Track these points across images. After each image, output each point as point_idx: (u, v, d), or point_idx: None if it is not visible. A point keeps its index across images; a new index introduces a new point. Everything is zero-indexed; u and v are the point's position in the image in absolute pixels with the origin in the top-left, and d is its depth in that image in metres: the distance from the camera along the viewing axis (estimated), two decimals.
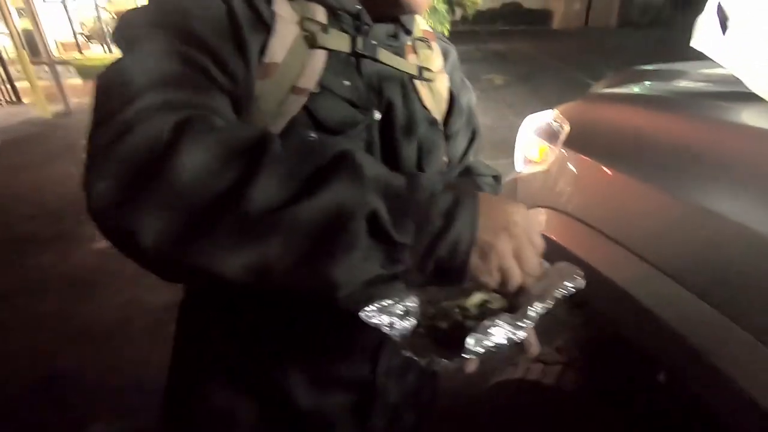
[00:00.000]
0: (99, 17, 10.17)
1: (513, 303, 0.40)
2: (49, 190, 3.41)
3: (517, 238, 0.38)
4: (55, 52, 8.20)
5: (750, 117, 0.72)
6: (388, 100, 0.52)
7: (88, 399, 1.59)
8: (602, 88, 1.24)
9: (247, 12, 0.43)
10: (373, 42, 0.51)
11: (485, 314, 0.39)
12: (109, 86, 0.37)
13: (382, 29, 0.52)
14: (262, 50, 0.44)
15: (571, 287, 0.40)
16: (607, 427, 0.85)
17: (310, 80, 0.46)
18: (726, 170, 0.68)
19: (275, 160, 0.33)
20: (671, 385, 0.80)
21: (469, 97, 0.69)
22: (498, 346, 0.35)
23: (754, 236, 0.60)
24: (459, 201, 0.36)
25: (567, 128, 1.04)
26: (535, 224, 0.40)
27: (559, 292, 0.39)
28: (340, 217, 0.32)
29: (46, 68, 6.08)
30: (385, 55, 0.52)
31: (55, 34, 8.84)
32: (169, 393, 0.63)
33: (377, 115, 0.51)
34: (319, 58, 0.46)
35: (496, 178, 0.71)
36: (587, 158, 0.93)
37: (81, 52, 9.31)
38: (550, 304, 0.38)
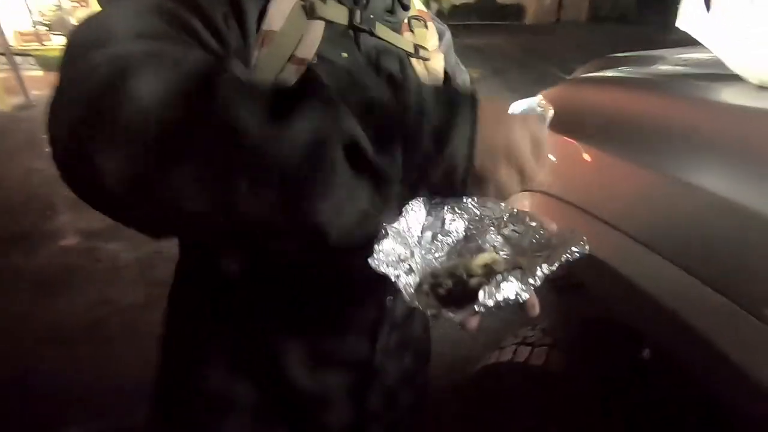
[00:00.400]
0: (60, 6, 9.69)
1: (518, 265, 0.39)
2: (11, 187, 3.24)
3: (518, 163, 0.37)
4: (13, 43, 7.77)
5: (730, 95, 0.74)
6: (388, 73, 0.52)
7: (60, 401, 1.53)
8: (583, 74, 1.26)
9: None
10: (371, 16, 0.51)
11: (489, 275, 0.38)
12: (83, 34, 0.35)
13: (380, 3, 0.52)
14: (261, 18, 0.43)
15: (577, 252, 0.39)
16: (596, 404, 0.87)
17: (308, 50, 0.45)
18: (707, 145, 0.69)
19: (239, 90, 0.31)
20: (658, 361, 0.82)
21: (465, 78, 0.69)
22: (506, 301, 0.34)
23: (733, 207, 0.62)
24: (452, 121, 0.34)
25: (551, 112, 1.04)
26: (542, 141, 0.40)
27: (565, 257, 0.38)
28: (314, 148, 0.30)
29: (4, 59, 5.77)
30: (382, 30, 0.52)
31: (13, 24, 8.38)
32: (162, 376, 0.61)
33: None
34: (318, 28, 0.46)
35: None
36: (572, 140, 0.94)
37: (41, 43, 8.86)
38: (555, 266, 0.37)
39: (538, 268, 0.36)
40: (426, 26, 0.60)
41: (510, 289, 0.34)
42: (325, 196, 0.31)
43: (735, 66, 0.74)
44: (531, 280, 0.35)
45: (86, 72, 0.30)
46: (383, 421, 0.65)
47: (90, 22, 0.36)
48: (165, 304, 0.62)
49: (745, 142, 0.64)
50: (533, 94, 1.19)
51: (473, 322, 0.38)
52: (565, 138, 0.96)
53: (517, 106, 1.24)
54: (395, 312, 0.60)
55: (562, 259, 0.38)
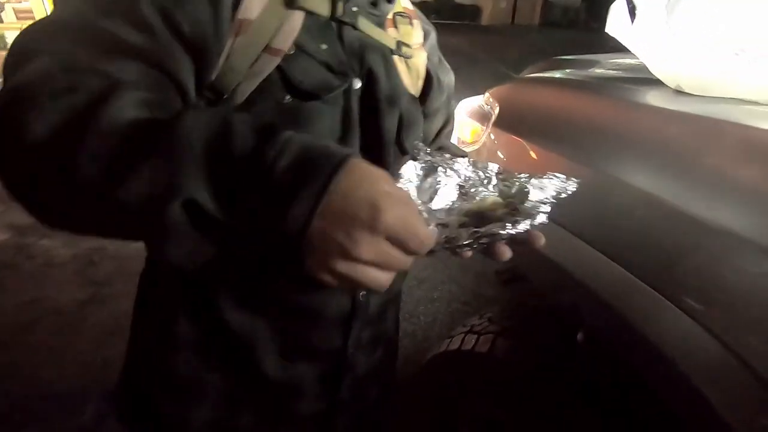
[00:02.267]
0: None
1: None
2: None
3: (374, 228, 0.30)
4: None
5: (651, 98, 0.80)
6: (370, 68, 0.51)
7: None
8: (529, 74, 1.32)
9: None
10: (354, 9, 0.49)
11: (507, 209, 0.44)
12: (22, 41, 0.37)
13: None
14: (236, 5, 0.42)
15: (571, 186, 0.46)
16: (535, 385, 0.92)
17: (285, 41, 0.44)
18: (633, 143, 0.75)
19: (104, 136, 0.31)
20: (591, 342, 0.88)
21: (450, 78, 0.68)
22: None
23: (653, 200, 0.68)
24: (305, 178, 0.30)
25: (497, 110, 1.09)
26: (411, 220, 0.31)
27: (562, 186, 0.45)
28: (151, 204, 0.30)
29: None
30: (365, 24, 0.51)
31: None
32: (130, 367, 0.61)
33: (357, 83, 0.50)
34: (297, 18, 0.45)
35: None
36: (515, 137, 0.99)
37: None
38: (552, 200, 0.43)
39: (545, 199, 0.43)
40: (411, 23, 0.59)
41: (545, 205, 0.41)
42: (166, 246, 0.32)
43: (655, 71, 0.81)
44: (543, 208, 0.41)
45: (8, 91, 0.34)
46: (353, 411, 0.65)
47: (25, 35, 0.37)
48: (104, 303, 0.60)
49: (661, 140, 0.71)
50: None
51: (541, 239, 0.43)
52: (510, 135, 1.01)
53: (466, 103, 1.29)
54: (368, 308, 0.60)
55: (554, 193, 0.44)
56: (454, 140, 1.39)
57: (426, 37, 0.63)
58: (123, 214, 0.31)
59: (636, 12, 0.75)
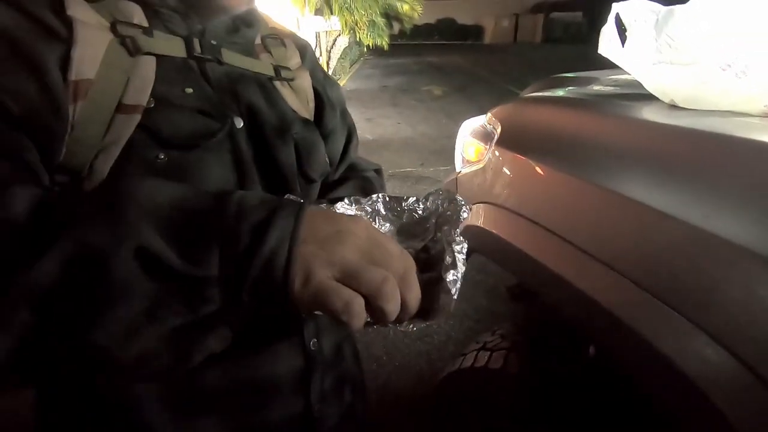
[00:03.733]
0: None
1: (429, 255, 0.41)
2: None
3: (355, 246, 0.30)
4: None
5: (647, 113, 0.83)
6: (248, 103, 0.47)
7: None
8: (529, 93, 1.36)
9: (24, 23, 0.35)
10: (213, 42, 0.45)
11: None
12: None
13: (220, 25, 0.46)
14: (65, 66, 0.36)
15: (465, 217, 0.41)
16: (549, 400, 0.92)
17: (139, 94, 0.38)
18: (633, 158, 0.77)
19: (17, 215, 0.27)
20: (601, 357, 0.88)
21: (338, 92, 0.64)
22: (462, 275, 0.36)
23: (655, 213, 0.69)
24: (274, 212, 0.29)
25: (499, 129, 1.12)
26: (378, 239, 0.32)
27: (460, 226, 0.40)
28: (89, 263, 0.26)
29: None
30: (230, 56, 0.46)
31: None
32: None
33: (239, 122, 0.46)
34: (148, 66, 0.40)
35: (378, 172, 0.69)
36: (517, 155, 1.01)
37: None
38: (463, 240, 0.39)
39: (456, 252, 0.38)
40: (284, 44, 0.55)
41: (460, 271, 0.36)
42: (111, 319, 0.27)
43: (649, 87, 0.84)
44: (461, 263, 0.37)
45: None
46: None
47: None
48: None
49: (658, 154, 0.73)
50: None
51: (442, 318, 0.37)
52: (514, 153, 1.04)
53: (469, 124, 1.33)
54: (323, 353, 0.54)
55: (460, 230, 0.40)
56: (458, 159, 1.43)
57: (303, 55, 0.58)
58: (46, 299, 0.26)
59: (626, 33, 0.78)
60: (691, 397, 0.61)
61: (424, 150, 4.80)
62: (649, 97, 0.87)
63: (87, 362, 0.28)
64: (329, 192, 0.61)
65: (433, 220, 0.43)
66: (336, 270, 0.29)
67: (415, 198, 0.44)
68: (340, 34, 9.43)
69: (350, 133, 0.66)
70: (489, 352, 1.12)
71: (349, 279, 0.29)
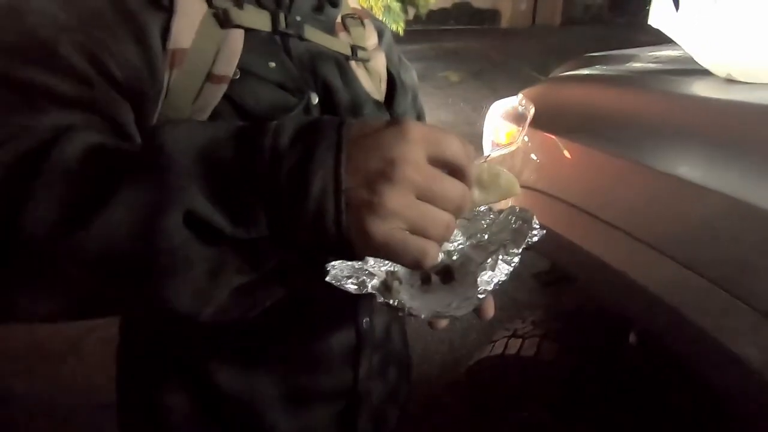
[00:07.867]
0: None
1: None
2: None
3: (407, 180, 0.26)
4: None
5: (701, 88, 0.78)
6: (325, 80, 0.47)
7: (38, 420, 1.48)
8: (562, 73, 1.30)
9: None
10: (298, 18, 0.46)
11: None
12: None
13: (307, 3, 0.47)
14: (165, 35, 0.37)
15: (536, 236, 0.41)
16: (585, 388, 0.90)
17: (227, 65, 0.40)
18: (681, 136, 0.73)
19: (56, 177, 0.26)
20: (645, 344, 0.85)
21: (412, 75, 0.64)
22: (500, 283, 0.37)
23: (705, 193, 0.65)
24: (313, 149, 0.26)
25: (533, 110, 1.08)
26: (438, 143, 0.28)
27: (525, 242, 0.41)
28: (142, 233, 0.25)
29: None
30: (312, 33, 0.47)
31: None
32: (123, 418, 0.57)
33: (315, 99, 0.46)
34: (237, 39, 0.40)
35: None
36: (553, 136, 0.97)
37: None
38: (517, 254, 0.39)
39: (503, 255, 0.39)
40: (363, 24, 0.55)
41: (503, 271, 0.37)
42: (172, 287, 0.27)
43: (704, 61, 0.78)
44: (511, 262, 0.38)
45: None
46: None
47: None
48: None
49: (714, 132, 0.68)
50: (513, 95, 1.23)
51: (442, 322, 0.38)
52: (545, 134, 1.00)
53: (500, 105, 1.28)
54: (374, 332, 0.57)
55: (523, 244, 0.40)
56: (486, 143, 1.39)
57: (381, 36, 0.59)
58: (102, 264, 0.26)
59: (680, 1, 0.73)
60: (752, 386, 0.58)
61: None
62: (701, 72, 0.81)
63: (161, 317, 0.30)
64: None
65: (496, 230, 0.44)
66: (396, 221, 0.27)
67: (488, 207, 0.45)
68: None
69: (419, 118, 0.67)
70: (521, 339, 1.09)
71: (412, 229, 0.27)
